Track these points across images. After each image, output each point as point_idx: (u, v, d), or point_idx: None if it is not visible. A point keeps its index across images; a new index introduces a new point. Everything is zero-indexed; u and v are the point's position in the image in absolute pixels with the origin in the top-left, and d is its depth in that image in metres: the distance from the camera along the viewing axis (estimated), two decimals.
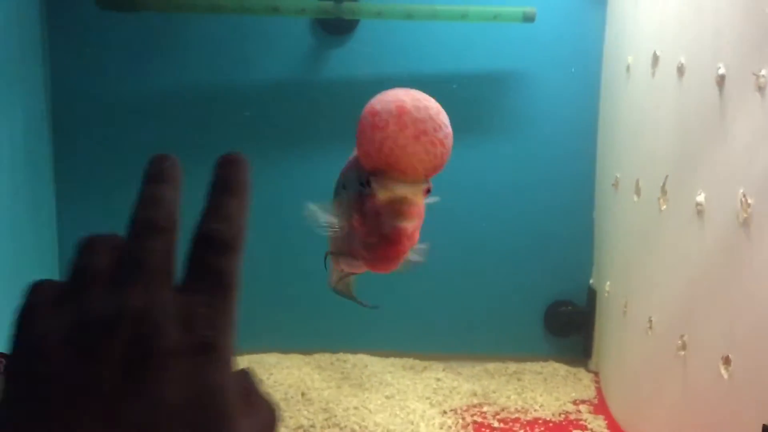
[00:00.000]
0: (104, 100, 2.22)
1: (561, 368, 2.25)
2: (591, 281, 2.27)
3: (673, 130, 1.62)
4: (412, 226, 0.60)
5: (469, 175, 2.19)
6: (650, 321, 1.69)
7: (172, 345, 0.37)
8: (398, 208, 0.59)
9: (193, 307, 0.38)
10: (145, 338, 0.37)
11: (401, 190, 0.60)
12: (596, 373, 2.21)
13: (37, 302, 0.40)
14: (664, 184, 1.63)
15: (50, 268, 2.22)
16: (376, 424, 1.83)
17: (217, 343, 0.38)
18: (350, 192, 0.68)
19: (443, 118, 0.63)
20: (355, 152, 0.74)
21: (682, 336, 1.52)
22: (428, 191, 0.62)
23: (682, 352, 1.52)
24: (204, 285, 0.39)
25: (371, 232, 0.63)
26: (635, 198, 1.82)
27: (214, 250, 0.40)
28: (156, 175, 0.45)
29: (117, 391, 0.36)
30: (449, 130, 0.62)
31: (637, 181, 1.81)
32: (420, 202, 0.61)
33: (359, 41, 2.22)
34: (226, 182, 0.43)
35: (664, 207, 1.63)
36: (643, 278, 1.79)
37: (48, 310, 0.39)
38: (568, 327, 2.32)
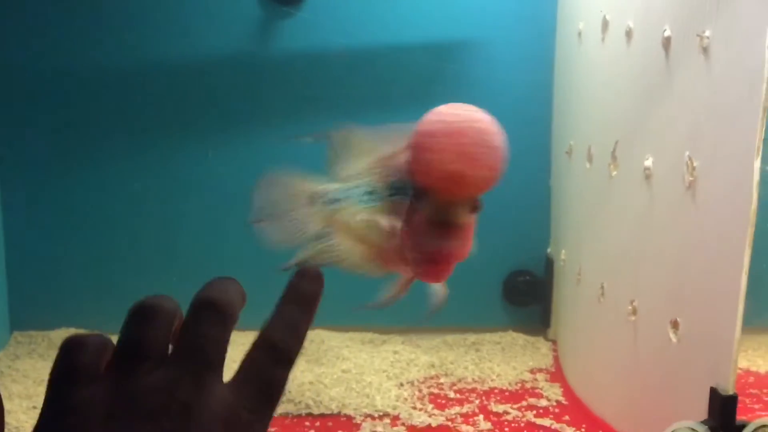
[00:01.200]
0: (45, 75, 2.16)
1: (520, 338, 2.25)
2: (549, 250, 2.27)
3: (623, 95, 1.60)
4: (458, 246, 0.59)
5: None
6: (602, 288, 1.68)
7: None
8: (443, 230, 0.58)
9: (240, 411, 0.38)
10: None
11: (449, 213, 0.59)
12: (554, 342, 2.21)
13: (78, 364, 0.39)
14: (614, 150, 1.62)
15: None
16: (331, 399, 1.82)
17: None
18: (404, 199, 0.67)
19: (497, 139, 0.60)
20: (405, 155, 0.72)
21: (632, 301, 1.52)
22: (476, 208, 0.60)
23: (633, 318, 1.51)
24: (253, 389, 0.39)
25: (416, 247, 0.63)
26: (587, 165, 1.81)
27: (274, 359, 0.40)
28: (298, 295, 0.44)
29: None
30: (502, 151, 0.60)
31: (589, 148, 1.79)
32: (468, 221, 0.59)
33: (309, 11, 2.18)
34: (299, 296, 0.44)
35: (615, 173, 1.62)
36: (594, 245, 1.78)
37: (89, 375, 0.38)
38: (527, 297, 2.32)
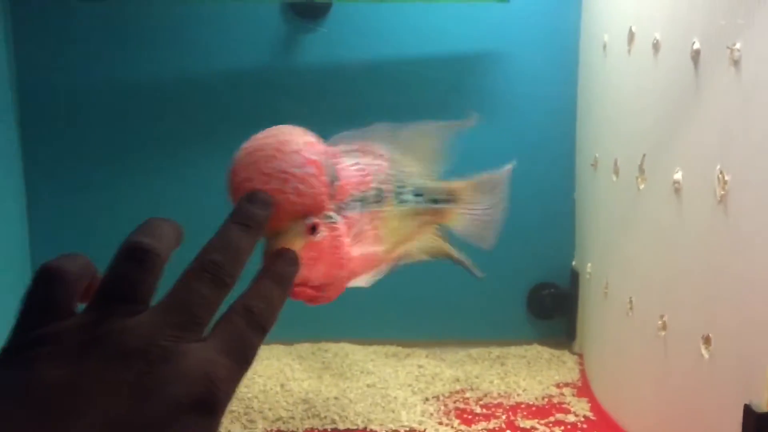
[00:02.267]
0: (71, 92, 2.18)
1: (545, 351, 2.23)
2: (573, 263, 2.25)
3: (650, 107, 1.59)
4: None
5: (447, 159, 2.16)
6: (630, 302, 1.67)
7: (180, 396, 0.36)
8: (267, 255, 0.58)
9: (218, 368, 0.38)
10: (160, 384, 0.36)
11: (273, 241, 0.58)
12: (580, 356, 2.19)
13: (53, 296, 0.38)
14: (641, 163, 1.61)
15: (21, 267, 2.18)
16: (357, 414, 1.81)
17: (220, 406, 0.38)
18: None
19: (278, 164, 0.57)
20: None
21: (662, 316, 1.50)
22: (312, 229, 0.58)
23: (663, 333, 1.50)
24: (230, 349, 0.39)
25: None
26: (614, 178, 1.79)
27: (250, 324, 0.41)
28: (244, 217, 0.46)
29: (114, 420, 0.35)
30: (289, 175, 0.56)
31: (616, 161, 1.78)
32: (294, 244, 0.57)
33: (332, 26, 2.18)
34: (276, 274, 0.47)
35: (642, 186, 1.61)
36: (622, 259, 1.76)
37: (63, 309, 0.38)
38: (552, 309, 2.30)
